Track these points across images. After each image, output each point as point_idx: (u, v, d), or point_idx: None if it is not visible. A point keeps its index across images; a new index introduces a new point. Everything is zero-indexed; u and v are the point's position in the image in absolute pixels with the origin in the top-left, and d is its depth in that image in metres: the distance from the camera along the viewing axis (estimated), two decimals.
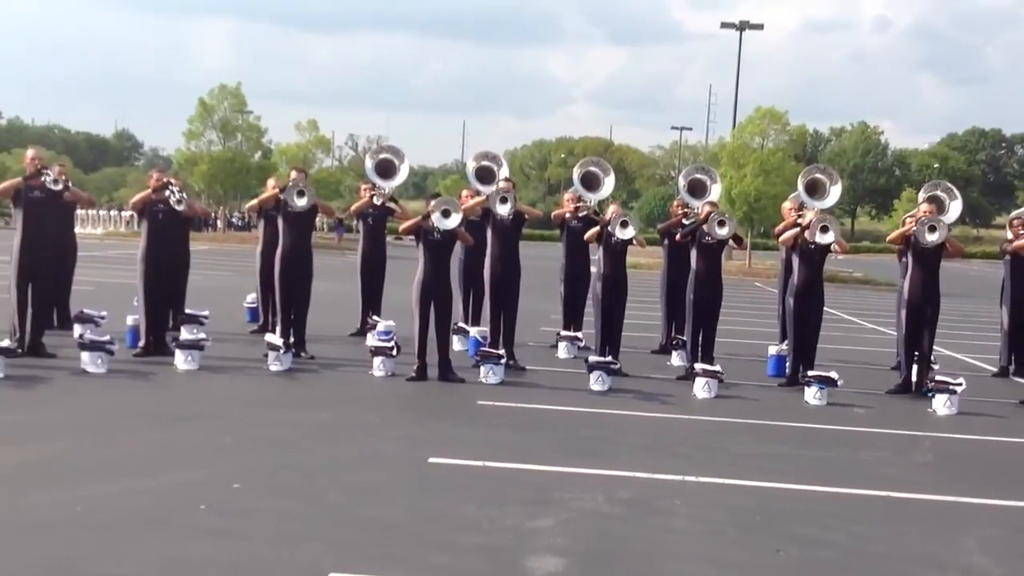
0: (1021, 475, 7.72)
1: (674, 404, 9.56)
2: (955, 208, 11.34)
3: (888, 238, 11.83)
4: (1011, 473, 7.75)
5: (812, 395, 9.95)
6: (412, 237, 10.34)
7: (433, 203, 10.21)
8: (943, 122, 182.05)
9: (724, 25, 42.63)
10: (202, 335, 10.26)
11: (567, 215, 12.37)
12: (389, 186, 12.24)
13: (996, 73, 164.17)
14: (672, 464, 7.22)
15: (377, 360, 10.17)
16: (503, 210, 11.06)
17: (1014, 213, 13.65)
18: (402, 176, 12.22)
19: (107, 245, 35.40)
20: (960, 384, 9.83)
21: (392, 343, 10.40)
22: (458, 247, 10.83)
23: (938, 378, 10.04)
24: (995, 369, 12.74)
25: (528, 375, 10.69)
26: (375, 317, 12.25)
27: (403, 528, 5.52)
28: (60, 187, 10.40)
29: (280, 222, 11.11)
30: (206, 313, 11.56)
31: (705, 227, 10.96)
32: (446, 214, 10.04)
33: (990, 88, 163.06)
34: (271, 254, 11.35)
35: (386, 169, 12.12)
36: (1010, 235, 12.42)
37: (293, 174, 11.47)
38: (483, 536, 5.45)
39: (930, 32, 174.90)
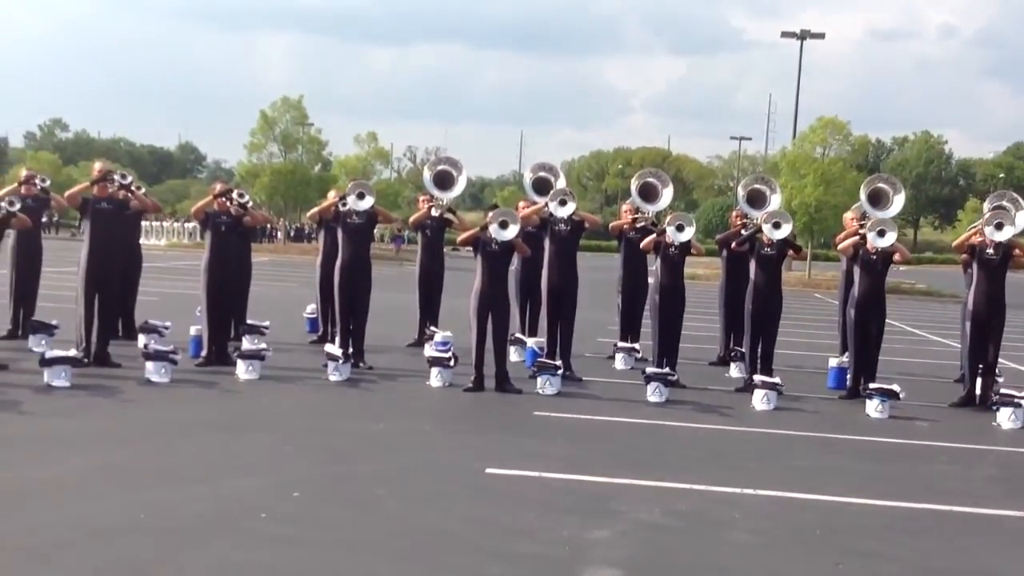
0: None
1: (732, 416, 9.49)
2: (1021, 218, 11.11)
3: (953, 244, 11.66)
4: None
5: (873, 408, 9.82)
6: (470, 248, 10.41)
7: (491, 215, 10.31)
8: (1009, 131, 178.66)
9: (784, 35, 42.25)
10: (263, 345, 10.41)
11: (625, 226, 12.36)
12: (447, 197, 12.32)
13: None
14: (730, 477, 7.16)
15: (434, 371, 10.23)
16: (563, 212, 11.07)
17: None
18: (460, 187, 12.29)
19: (171, 256, 36.04)
20: None
21: (450, 354, 10.46)
22: (516, 257, 10.89)
23: (1003, 391, 9.85)
24: None
25: (585, 386, 10.68)
26: (432, 328, 12.31)
27: (459, 537, 5.54)
28: (128, 182, 10.73)
29: (339, 233, 11.25)
30: (267, 323, 11.77)
31: (762, 231, 10.88)
32: (504, 225, 10.12)
33: None
34: (331, 265, 11.49)
35: (444, 180, 12.20)
36: None
37: (351, 184, 11.62)
38: (539, 546, 5.46)
39: (996, 39, 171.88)
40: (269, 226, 51.37)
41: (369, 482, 6.56)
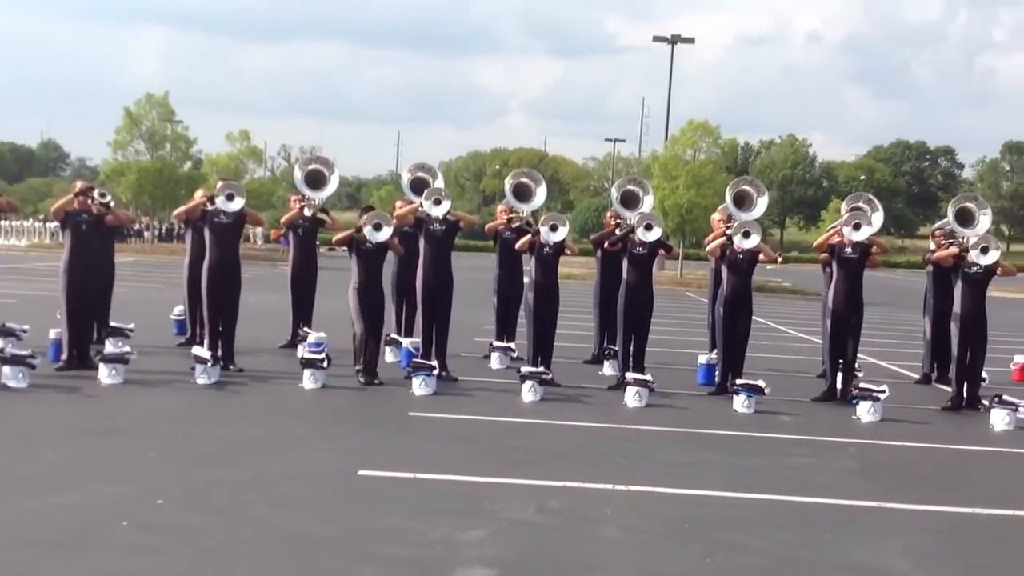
0: (943, 481, 7.88)
1: (605, 413, 9.61)
2: (877, 219, 11.56)
3: (814, 244, 12.08)
4: (933, 479, 7.92)
5: (740, 403, 10.08)
6: (345, 248, 10.45)
7: (365, 217, 10.46)
8: (870, 135, 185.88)
9: (656, 39, 43.01)
10: (127, 348, 10.06)
11: (500, 226, 12.40)
12: (319, 197, 12.13)
13: (921, 87, 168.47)
14: (602, 473, 7.25)
15: (307, 372, 10.07)
16: (437, 211, 11.04)
17: (936, 224, 13.99)
18: (332, 187, 12.11)
19: (31, 257, 34.61)
20: (883, 391, 10.01)
21: (323, 355, 10.32)
22: (390, 257, 10.87)
23: (862, 385, 10.22)
24: (918, 376, 13.01)
25: (460, 386, 10.67)
26: (306, 329, 12.12)
27: (330, 541, 5.46)
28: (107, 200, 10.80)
29: (207, 233, 10.98)
30: (132, 326, 11.40)
31: (635, 232, 11.08)
32: (377, 227, 10.34)
33: (915, 102, 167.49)
34: (199, 266, 11.20)
35: (316, 180, 12.00)
36: (932, 246, 12.69)
37: (219, 184, 11.34)
38: (412, 549, 5.42)
39: (859, 47, 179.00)
40: (137, 225, 49.91)
41: (237, 487, 6.40)
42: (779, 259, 12.25)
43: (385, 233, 10.35)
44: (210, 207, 10.97)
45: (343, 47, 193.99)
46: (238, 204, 10.82)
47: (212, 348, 10.47)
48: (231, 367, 10.64)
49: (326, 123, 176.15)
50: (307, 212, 12.30)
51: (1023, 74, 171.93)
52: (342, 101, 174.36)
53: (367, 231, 10.31)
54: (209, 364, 9.98)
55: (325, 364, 10.17)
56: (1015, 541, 6.27)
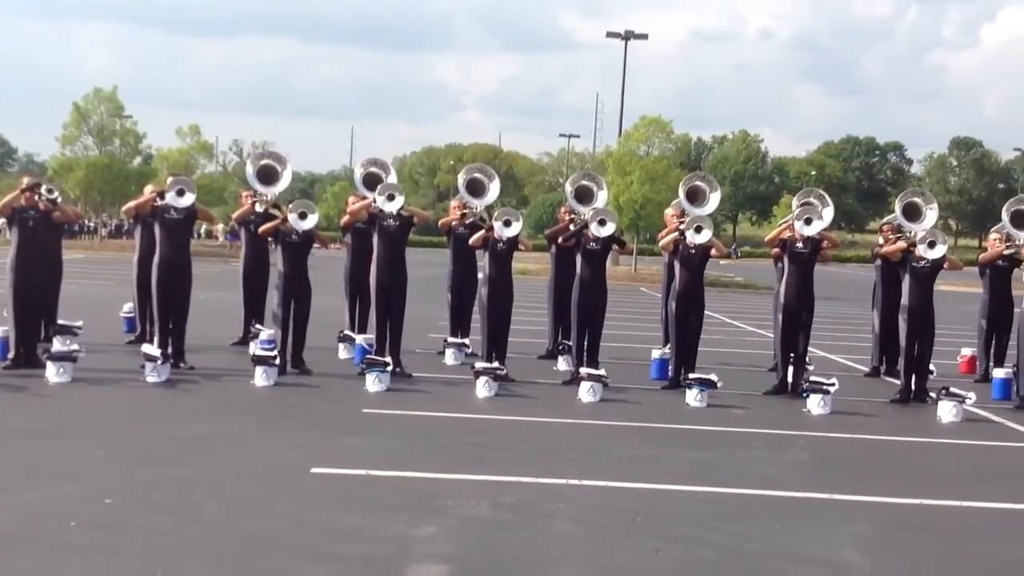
0: (892, 472, 7.99)
1: (559, 409, 9.63)
2: (827, 214, 11.69)
3: (766, 239, 12.21)
4: (882, 470, 8.03)
5: (693, 397, 10.15)
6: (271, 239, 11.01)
7: (291, 205, 10.86)
8: (820, 131, 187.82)
9: (610, 34, 43.19)
10: (75, 346, 9.91)
11: (454, 222, 12.38)
12: (271, 193, 12.02)
13: (871, 83, 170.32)
14: (556, 468, 7.27)
15: (259, 369, 9.98)
16: (391, 207, 10.99)
17: (885, 219, 14.19)
18: (285, 182, 12.00)
19: None
20: (833, 384, 10.14)
21: (275, 352, 10.24)
22: (345, 255, 10.89)
23: (812, 379, 10.35)
24: (867, 369, 13.18)
25: (415, 382, 10.63)
26: (258, 326, 12.04)
27: (282, 541, 5.42)
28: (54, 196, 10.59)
29: (157, 229, 10.85)
30: (80, 323, 11.23)
31: (588, 229, 11.12)
32: (303, 216, 10.65)
33: (865, 98, 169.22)
34: (148, 262, 11.06)
35: (268, 176, 11.89)
36: (881, 240, 12.87)
37: (170, 180, 11.21)
38: (365, 546, 5.39)
39: (810, 44, 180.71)
40: (86, 221, 49.21)
41: (188, 486, 6.34)
42: (737, 255, 12.37)
43: (311, 221, 10.65)
44: (160, 203, 10.84)
45: (295, 42, 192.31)
46: (188, 200, 10.70)
47: (162, 346, 10.35)
48: (182, 365, 10.53)
49: (279, 118, 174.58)
50: (259, 208, 12.19)
51: (971, 70, 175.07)
52: (295, 96, 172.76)
53: (291, 219, 10.62)
54: (159, 362, 9.86)
55: (277, 361, 10.10)
56: (961, 531, 6.37)
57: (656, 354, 11.84)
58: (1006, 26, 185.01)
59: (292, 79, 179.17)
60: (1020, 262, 11.81)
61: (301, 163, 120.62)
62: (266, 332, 11.23)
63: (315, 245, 11.18)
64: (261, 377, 9.95)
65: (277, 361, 10.14)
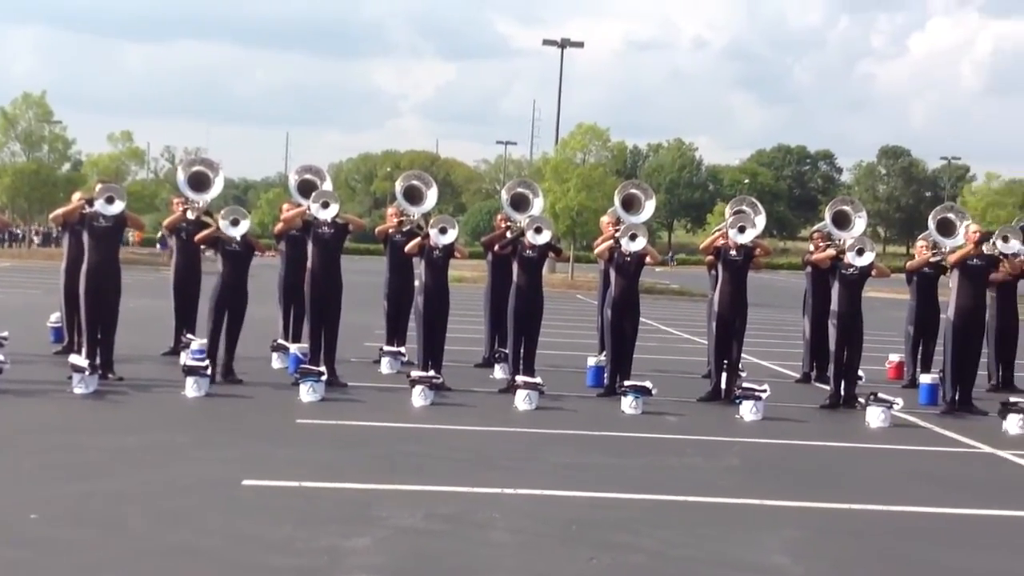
0: (821, 477, 8.12)
1: (495, 417, 9.63)
2: (760, 222, 11.84)
3: (700, 247, 12.35)
4: (812, 475, 8.15)
5: (628, 404, 10.21)
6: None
7: (222, 212, 10.82)
8: (753, 139, 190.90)
9: (546, 42, 43.41)
10: (0, 357, 9.68)
11: (390, 229, 12.34)
12: (203, 199, 11.87)
13: (803, 92, 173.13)
14: (492, 477, 7.27)
15: (190, 380, 9.83)
16: (325, 214, 10.91)
17: (815, 227, 14.42)
18: (217, 189, 11.87)
19: None
20: (765, 391, 10.27)
21: (207, 362, 10.10)
22: (279, 263, 10.81)
23: (745, 385, 10.47)
24: (798, 375, 13.39)
25: (350, 392, 10.56)
26: (189, 336, 11.86)
27: (212, 554, 5.35)
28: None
29: (85, 237, 10.64)
30: (5, 334, 11.00)
31: (525, 236, 11.15)
32: (234, 223, 10.62)
33: (797, 106, 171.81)
34: (76, 271, 10.85)
35: (200, 182, 11.75)
36: (812, 248, 13.09)
37: (99, 186, 11.01)
38: (297, 558, 5.34)
39: (744, 53, 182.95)
40: (15, 229, 48.16)
41: (116, 500, 6.22)
42: (674, 263, 12.53)
43: (242, 227, 10.59)
44: (89, 210, 10.64)
45: (229, 47, 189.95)
46: (118, 207, 10.51)
47: (90, 356, 10.15)
48: (110, 375, 10.33)
49: (212, 124, 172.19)
50: (191, 215, 12.03)
51: (899, 80, 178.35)
52: (229, 102, 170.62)
53: (223, 225, 10.59)
54: (87, 373, 9.67)
55: (209, 371, 9.97)
56: (888, 535, 6.49)
57: (592, 361, 11.90)
58: (934, 35, 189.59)
59: (226, 84, 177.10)
60: (946, 269, 12.07)
61: (235, 169, 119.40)
62: (198, 342, 11.07)
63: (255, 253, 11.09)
64: (192, 388, 9.80)
65: (209, 371, 10.02)
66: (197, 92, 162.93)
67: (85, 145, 57.39)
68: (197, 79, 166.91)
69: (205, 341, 10.81)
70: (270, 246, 20.86)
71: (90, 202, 10.62)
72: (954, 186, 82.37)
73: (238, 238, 10.63)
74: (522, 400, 10.11)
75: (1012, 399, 10.52)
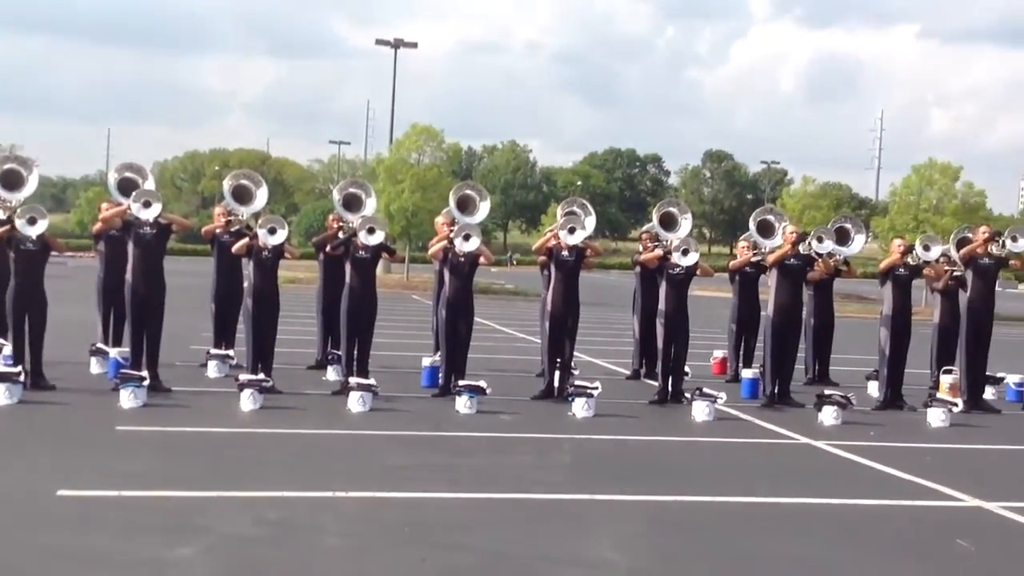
0: (651, 471, 8.31)
1: (328, 420, 9.47)
2: (590, 223, 12.04)
3: (533, 248, 12.48)
4: (642, 469, 8.33)
5: (463, 404, 10.22)
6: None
7: (19, 210, 10.36)
8: (585, 142, 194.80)
9: (379, 42, 43.13)
10: None
11: (219, 230, 11.99)
12: (16, 199, 11.19)
13: (632, 97, 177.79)
14: (323, 481, 7.13)
15: (2, 387, 9.29)
16: (147, 214, 10.50)
17: (644, 228, 14.79)
18: (31, 188, 11.20)
19: None
20: (597, 388, 10.46)
21: (19, 368, 9.57)
22: (98, 264, 10.33)
23: (577, 383, 10.64)
24: (628, 372, 13.71)
25: (174, 397, 10.18)
26: (1, 340, 11.19)
27: (24, 569, 5.05)
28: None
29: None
30: None
31: (357, 236, 11.03)
32: (32, 221, 10.22)
33: (626, 111, 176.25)
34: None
35: (12, 181, 11.08)
36: (640, 248, 13.41)
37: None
38: (115, 570, 5.11)
39: (575, 57, 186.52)
40: None
41: None
42: (513, 263, 12.60)
43: (40, 226, 10.22)
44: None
45: (45, 41, 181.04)
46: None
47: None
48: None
49: (27, 120, 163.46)
50: (1, 215, 11.34)
51: (723, 86, 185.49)
52: (45, 98, 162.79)
53: (19, 224, 10.14)
54: None
55: (21, 377, 9.46)
56: (713, 525, 6.69)
57: (427, 362, 11.85)
58: (756, 43, 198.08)
59: (42, 78, 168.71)
60: (765, 268, 12.58)
61: (52, 167, 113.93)
62: (8, 347, 10.47)
63: (52, 253, 10.60)
64: (4, 395, 9.25)
65: (21, 377, 9.49)
66: (11, 85, 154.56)
67: None
68: (11, 72, 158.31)
69: (3, 341, 10.25)
70: (88, 247, 19.99)
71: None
72: (773, 189, 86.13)
73: (33, 237, 10.17)
74: (355, 402, 9.98)
75: (827, 391, 11.06)
